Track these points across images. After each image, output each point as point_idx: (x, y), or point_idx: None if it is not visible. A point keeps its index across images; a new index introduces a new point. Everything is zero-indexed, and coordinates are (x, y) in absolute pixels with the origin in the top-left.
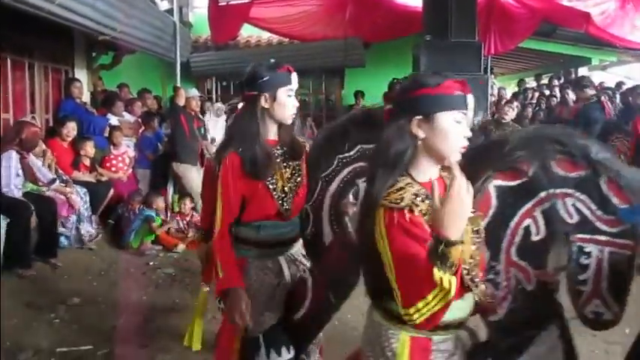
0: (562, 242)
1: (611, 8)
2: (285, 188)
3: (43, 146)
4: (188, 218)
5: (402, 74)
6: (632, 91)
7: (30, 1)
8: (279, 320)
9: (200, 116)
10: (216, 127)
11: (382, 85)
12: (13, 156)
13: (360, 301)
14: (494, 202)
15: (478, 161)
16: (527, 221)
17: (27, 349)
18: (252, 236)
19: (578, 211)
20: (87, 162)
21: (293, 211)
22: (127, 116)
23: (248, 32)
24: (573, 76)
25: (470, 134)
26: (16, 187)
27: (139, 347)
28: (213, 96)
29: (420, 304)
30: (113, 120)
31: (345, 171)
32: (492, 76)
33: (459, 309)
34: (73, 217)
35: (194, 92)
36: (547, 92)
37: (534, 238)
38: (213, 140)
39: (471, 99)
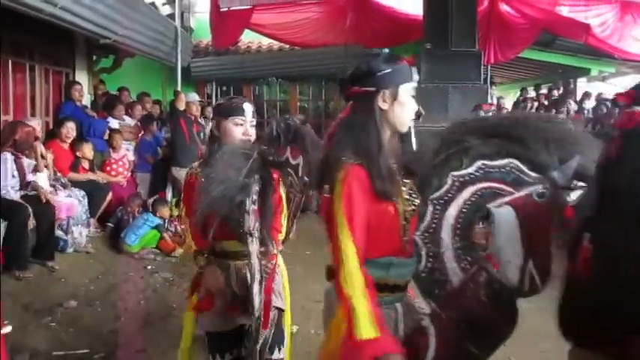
0: None
1: (610, 20)
2: (406, 213)
3: (43, 148)
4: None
5: None
6: None
7: (32, 4)
8: None
9: (200, 121)
10: None
11: None
12: (8, 158)
13: None
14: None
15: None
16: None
17: (24, 352)
18: (381, 277)
19: None
20: (86, 165)
21: (411, 241)
22: (128, 120)
23: (249, 38)
24: (572, 86)
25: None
26: (12, 189)
27: (135, 351)
28: (213, 100)
29: None
30: (114, 123)
31: (467, 192)
32: (492, 85)
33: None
34: (71, 220)
35: (194, 97)
36: (546, 102)
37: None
38: None
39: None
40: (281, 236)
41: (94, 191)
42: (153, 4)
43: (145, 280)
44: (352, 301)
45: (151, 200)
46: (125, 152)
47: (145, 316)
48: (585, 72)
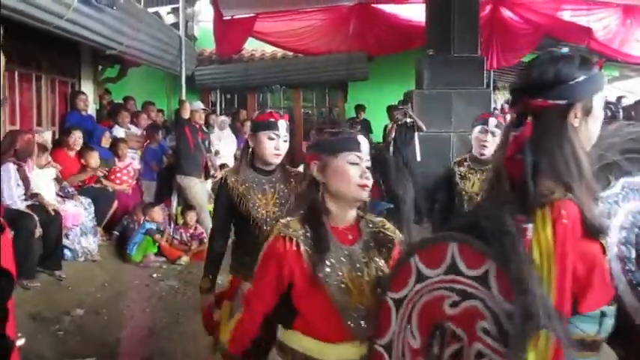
0: None
1: (612, 23)
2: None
3: (49, 157)
4: (192, 230)
5: (405, 88)
6: (635, 105)
7: (39, 17)
8: None
9: (204, 129)
10: (219, 139)
11: (384, 99)
12: (10, 168)
13: None
14: None
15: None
16: None
17: None
18: (592, 333)
19: None
20: (92, 173)
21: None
22: (133, 129)
23: (252, 46)
24: None
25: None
26: (19, 199)
27: (141, 359)
28: (218, 109)
29: None
30: (120, 132)
31: (621, 214)
32: (495, 90)
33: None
34: (79, 230)
35: (198, 105)
36: None
37: None
38: (217, 153)
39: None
40: None
41: (99, 199)
42: (157, 13)
43: (150, 287)
44: None
45: (140, 207)
46: (131, 161)
47: (151, 323)
48: None
